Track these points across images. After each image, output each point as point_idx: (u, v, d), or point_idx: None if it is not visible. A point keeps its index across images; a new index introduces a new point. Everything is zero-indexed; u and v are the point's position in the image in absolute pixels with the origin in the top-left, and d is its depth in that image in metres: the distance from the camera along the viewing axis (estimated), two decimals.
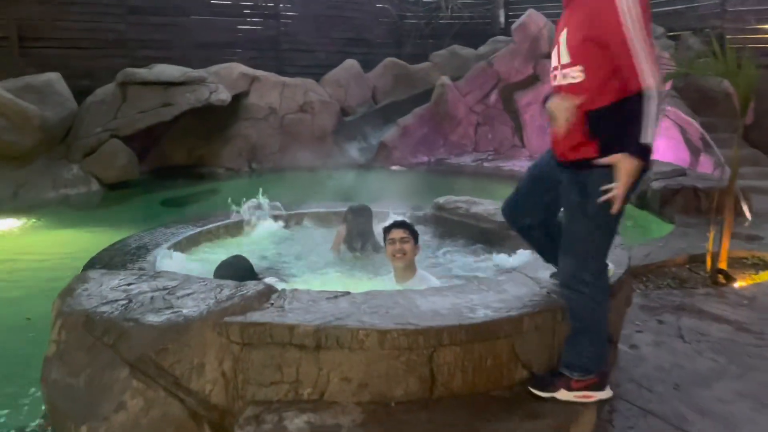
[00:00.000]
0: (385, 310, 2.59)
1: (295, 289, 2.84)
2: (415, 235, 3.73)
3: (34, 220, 6.88)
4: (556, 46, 2.56)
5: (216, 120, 9.71)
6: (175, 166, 9.60)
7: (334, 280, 3.91)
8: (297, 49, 12.23)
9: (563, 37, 2.50)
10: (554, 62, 2.57)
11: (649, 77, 2.29)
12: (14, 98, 7.86)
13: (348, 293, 2.80)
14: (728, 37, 8.96)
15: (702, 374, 3.14)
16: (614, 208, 2.37)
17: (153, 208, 7.70)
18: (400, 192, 7.28)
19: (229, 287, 2.82)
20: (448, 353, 2.48)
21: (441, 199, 4.83)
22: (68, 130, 8.65)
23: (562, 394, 2.52)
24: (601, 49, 2.35)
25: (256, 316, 2.54)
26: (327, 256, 4.39)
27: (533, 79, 10.76)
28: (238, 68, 10.29)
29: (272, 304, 2.67)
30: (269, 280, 3.72)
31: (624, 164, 2.33)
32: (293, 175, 9.82)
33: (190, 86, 9.10)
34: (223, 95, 9.40)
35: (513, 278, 3.00)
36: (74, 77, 9.32)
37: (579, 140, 2.46)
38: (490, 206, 4.58)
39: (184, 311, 2.61)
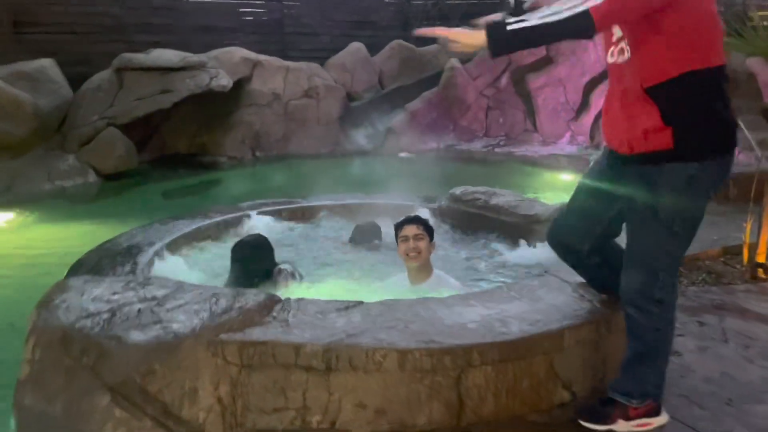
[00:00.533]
0: (404, 325, 2.25)
1: (301, 299, 2.51)
2: (430, 232, 3.40)
3: (28, 214, 6.57)
4: None
5: (217, 107, 9.35)
6: (175, 155, 9.26)
7: (342, 281, 3.58)
8: (301, 33, 11.81)
9: None
10: (612, 38, 2.19)
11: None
12: (5, 85, 7.52)
13: (360, 303, 2.47)
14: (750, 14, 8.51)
15: (756, 386, 2.80)
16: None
17: (153, 200, 7.38)
18: (410, 181, 6.93)
19: (226, 297, 2.49)
20: (479, 375, 2.15)
21: (457, 190, 4.47)
22: (63, 119, 8.32)
23: (621, 426, 2.18)
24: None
25: (256, 333, 2.21)
26: (333, 254, 4.06)
27: (546, 61, 10.33)
28: (240, 52, 9.91)
29: (275, 317, 2.34)
30: (284, 266, 3.52)
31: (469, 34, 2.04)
32: (299, 163, 9.48)
33: (190, 72, 8.73)
34: (224, 81, 9.03)
35: (547, 283, 2.66)
36: (69, 63, 8.95)
37: (647, 125, 2.08)
38: (511, 197, 4.23)
39: (175, 327, 2.28)
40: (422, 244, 3.32)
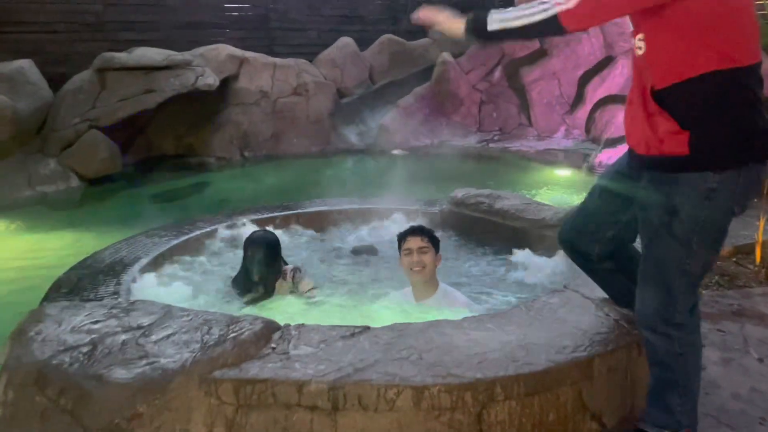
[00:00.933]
0: (417, 355, 2.04)
1: (302, 326, 2.28)
2: (435, 243, 3.18)
3: (7, 222, 6.28)
4: None
5: (204, 106, 9.06)
6: (161, 157, 8.98)
7: (343, 296, 3.36)
8: (288, 28, 11.52)
9: None
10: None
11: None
12: None
13: (367, 329, 2.25)
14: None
15: None
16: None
17: (139, 205, 7.11)
18: (406, 180, 6.73)
19: (218, 324, 2.26)
20: (502, 410, 1.94)
21: (459, 193, 4.26)
22: (43, 122, 8.00)
23: None
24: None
25: (254, 370, 1.98)
26: (332, 266, 3.83)
27: (540, 54, 10.12)
28: (226, 50, 9.61)
29: (274, 348, 2.12)
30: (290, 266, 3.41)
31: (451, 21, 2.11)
32: (289, 163, 9.23)
33: (174, 70, 8.43)
34: (210, 79, 8.75)
35: (568, 300, 2.45)
36: (49, 64, 8.63)
37: (664, 126, 1.86)
38: (516, 200, 4.02)
39: (163, 362, 2.06)
40: (427, 258, 3.10)
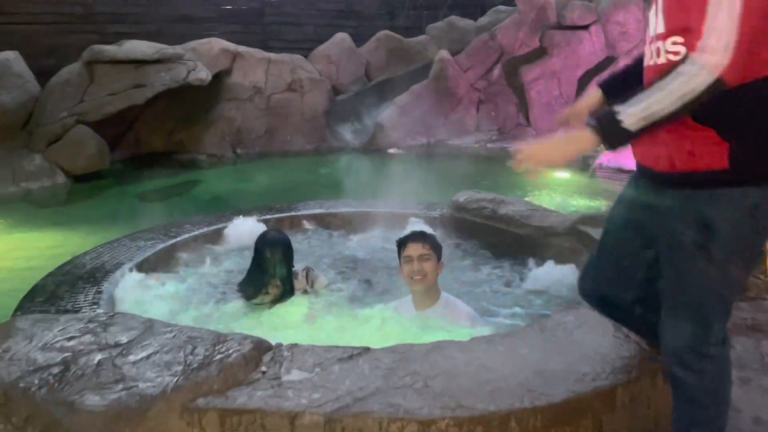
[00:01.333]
0: (422, 382, 1.85)
1: (294, 346, 2.09)
2: (437, 251, 2.99)
3: None
4: (653, 7, 1.75)
5: (195, 101, 8.84)
6: (151, 154, 8.75)
7: (339, 306, 3.16)
8: (283, 23, 11.30)
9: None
10: (649, 32, 1.77)
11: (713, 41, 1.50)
12: None
13: (367, 351, 2.06)
14: None
15: None
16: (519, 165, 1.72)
17: (127, 204, 6.87)
18: (402, 181, 6.52)
19: (203, 343, 2.07)
20: None
21: (461, 197, 4.06)
22: (29, 116, 7.76)
23: None
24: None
25: (242, 398, 1.79)
26: (322, 272, 3.64)
27: (540, 52, 9.94)
28: (219, 44, 9.38)
29: (264, 372, 1.92)
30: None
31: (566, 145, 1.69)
32: (282, 161, 9.02)
33: (166, 64, 8.20)
34: (203, 74, 8.52)
35: (584, 320, 2.26)
36: (37, 56, 8.39)
37: (695, 137, 1.65)
38: (521, 206, 3.84)
39: (141, 386, 1.86)
40: (428, 266, 2.91)
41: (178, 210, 6.07)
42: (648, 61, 1.77)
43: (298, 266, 3.32)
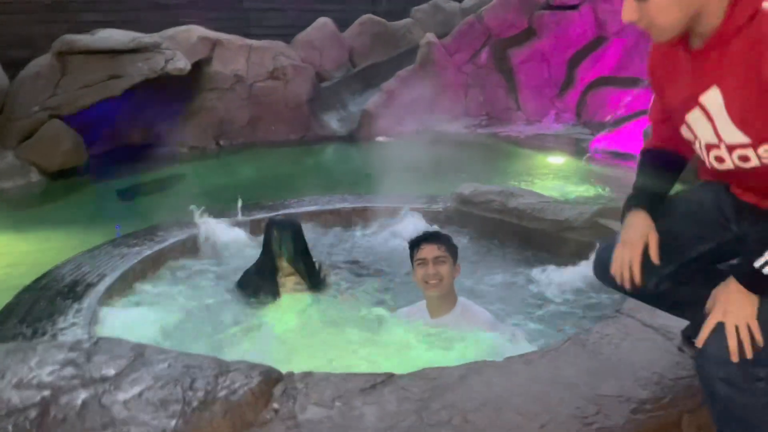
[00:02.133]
0: (461, 417, 1.61)
1: (308, 375, 1.83)
2: (453, 252, 2.76)
3: None
4: (697, 113, 1.63)
5: (175, 92, 8.46)
6: (130, 147, 8.38)
7: (347, 314, 2.92)
8: (263, 8, 10.92)
9: (717, 106, 1.57)
10: (708, 138, 1.64)
11: None
12: None
13: (391, 377, 1.81)
14: None
15: None
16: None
17: (107, 201, 6.54)
18: (394, 170, 6.26)
19: (204, 375, 1.81)
20: None
21: (466, 189, 3.82)
22: None
23: None
24: None
25: None
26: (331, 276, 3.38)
27: (529, 34, 9.68)
28: (197, 31, 8.99)
29: (276, 411, 1.67)
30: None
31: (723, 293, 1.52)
32: (267, 151, 8.70)
33: (143, 54, 7.80)
34: (181, 63, 8.14)
35: (627, 331, 2.04)
36: (4, 47, 7.99)
37: None
38: (532, 198, 3.61)
39: None
40: (444, 269, 2.68)
41: (161, 208, 5.74)
42: (719, 166, 1.66)
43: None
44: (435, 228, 3.19)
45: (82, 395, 1.76)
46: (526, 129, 9.22)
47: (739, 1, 1.49)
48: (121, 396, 1.75)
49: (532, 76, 9.68)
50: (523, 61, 9.70)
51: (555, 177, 7.27)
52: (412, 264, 2.77)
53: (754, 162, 1.58)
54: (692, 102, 1.62)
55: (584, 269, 3.10)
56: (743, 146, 1.57)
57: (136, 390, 1.77)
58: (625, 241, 1.74)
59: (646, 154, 1.91)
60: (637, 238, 1.72)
